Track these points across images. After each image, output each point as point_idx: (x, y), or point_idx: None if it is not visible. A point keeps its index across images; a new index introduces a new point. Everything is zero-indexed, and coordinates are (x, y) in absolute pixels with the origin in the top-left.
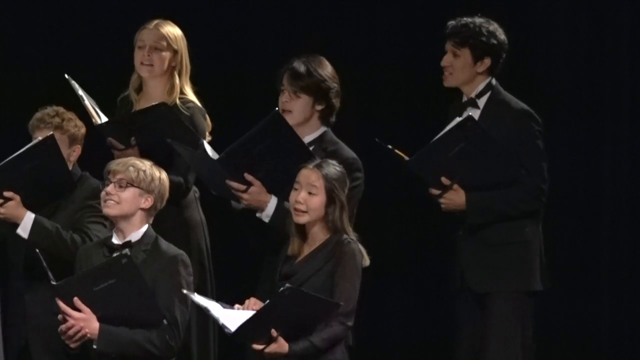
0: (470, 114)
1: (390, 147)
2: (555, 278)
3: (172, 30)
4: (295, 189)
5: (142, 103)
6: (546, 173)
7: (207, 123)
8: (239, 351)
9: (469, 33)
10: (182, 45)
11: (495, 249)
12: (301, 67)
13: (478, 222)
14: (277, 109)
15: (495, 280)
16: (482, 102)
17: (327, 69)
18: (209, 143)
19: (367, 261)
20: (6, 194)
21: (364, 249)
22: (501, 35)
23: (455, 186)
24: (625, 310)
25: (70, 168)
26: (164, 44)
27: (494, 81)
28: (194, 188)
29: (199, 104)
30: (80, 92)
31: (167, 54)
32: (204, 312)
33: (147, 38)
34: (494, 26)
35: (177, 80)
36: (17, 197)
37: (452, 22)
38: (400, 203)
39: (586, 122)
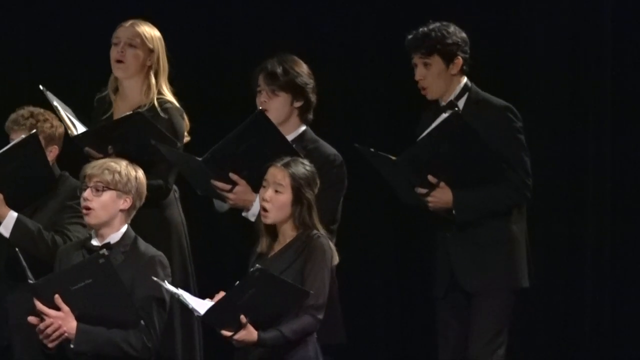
0: (456, 109)
1: (372, 150)
2: (540, 274)
3: (148, 30)
4: (263, 187)
5: (119, 103)
6: (529, 167)
7: (186, 123)
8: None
9: (433, 40)
10: (158, 45)
11: (485, 248)
12: (276, 66)
13: (466, 220)
14: (260, 108)
15: (486, 279)
16: (460, 103)
17: (301, 66)
18: (188, 143)
19: (336, 259)
20: None
21: (334, 247)
22: (461, 32)
23: (442, 184)
24: (608, 306)
25: None
26: (138, 41)
27: (468, 82)
28: (174, 187)
29: (177, 104)
30: (55, 102)
31: (141, 52)
32: (188, 311)
33: (122, 35)
34: (451, 27)
35: (153, 80)
36: (0, 196)
37: (410, 36)
38: (384, 200)
39: (569, 120)
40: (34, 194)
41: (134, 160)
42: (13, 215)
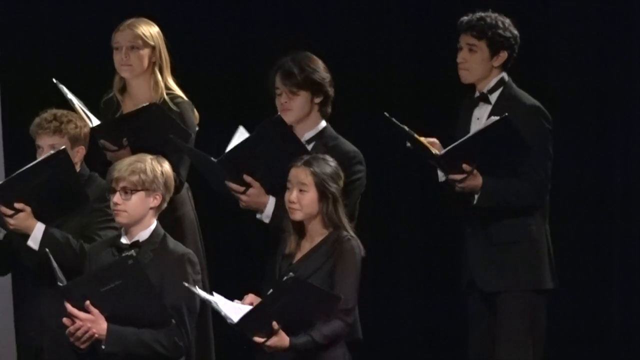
0: (506, 114)
1: (403, 125)
2: (567, 276)
3: (147, 28)
4: (288, 188)
5: (128, 103)
6: (550, 171)
7: (195, 116)
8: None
9: (486, 26)
10: (159, 40)
11: (501, 248)
12: (292, 66)
13: (483, 206)
14: (278, 114)
15: (503, 279)
16: (494, 97)
17: (316, 62)
18: (196, 136)
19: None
20: (17, 205)
21: (362, 247)
22: (515, 29)
23: (475, 171)
24: (637, 307)
25: (77, 169)
26: (140, 42)
27: (506, 76)
28: (186, 185)
29: (185, 97)
30: (70, 95)
31: (144, 52)
32: (206, 306)
33: (121, 39)
34: (508, 21)
35: (159, 76)
36: (28, 209)
37: (466, 17)
38: (405, 195)
39: (596, 119)
40: (63, 208)
41: (147, 152)
42: (41, 227)
